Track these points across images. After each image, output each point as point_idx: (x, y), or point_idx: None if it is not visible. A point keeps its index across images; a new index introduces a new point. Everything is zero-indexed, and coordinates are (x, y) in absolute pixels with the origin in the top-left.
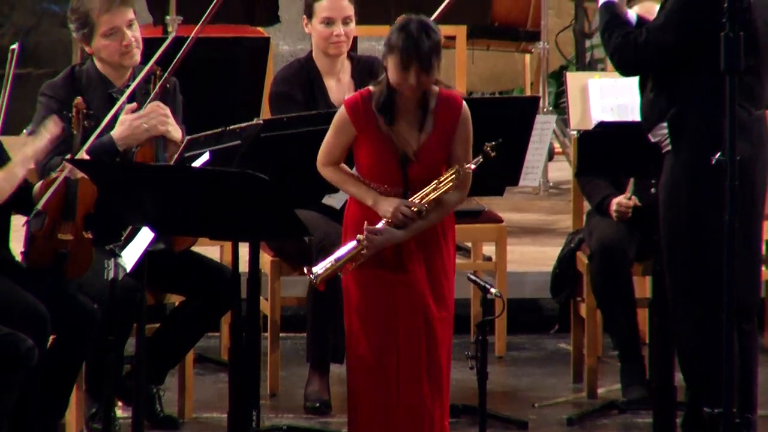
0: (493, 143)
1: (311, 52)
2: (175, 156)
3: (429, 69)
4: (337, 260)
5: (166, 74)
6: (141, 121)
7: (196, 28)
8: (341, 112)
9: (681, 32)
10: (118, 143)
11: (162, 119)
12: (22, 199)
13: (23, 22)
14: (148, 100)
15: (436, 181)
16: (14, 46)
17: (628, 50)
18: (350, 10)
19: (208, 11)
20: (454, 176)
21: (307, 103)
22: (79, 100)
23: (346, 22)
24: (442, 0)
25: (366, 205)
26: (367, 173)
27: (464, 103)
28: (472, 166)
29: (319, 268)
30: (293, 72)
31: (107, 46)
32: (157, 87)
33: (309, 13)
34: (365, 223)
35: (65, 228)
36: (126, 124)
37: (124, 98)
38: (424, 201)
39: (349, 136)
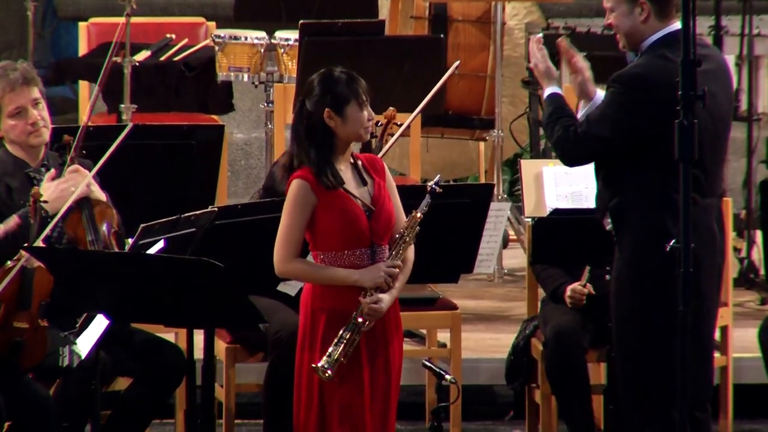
0: (435, 180)
1: None
2: (130, 243)
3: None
4: (338, 344)
5: (80, 143)
6: (67, 184)
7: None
8: (296, 186)
9: (617, 126)
10: (48, 208)
11: (84, 180)
12: None
13: None
14: (66, 165)
15: (400, 234)
16: None
17: (569, 142)
18: None
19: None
20: (413, 223)
21: None
22: (36, 190)
23: None
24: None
25: (327, 286)
26: (336, 240)
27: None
28: (424, 209)
29: (324, 362)
30: None
31: (14, 126)
32: (72, 151)
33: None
34: (361, 297)
35: (20, 317)
36: (52, 188)
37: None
38: (398, 255)
39: (309, 210)
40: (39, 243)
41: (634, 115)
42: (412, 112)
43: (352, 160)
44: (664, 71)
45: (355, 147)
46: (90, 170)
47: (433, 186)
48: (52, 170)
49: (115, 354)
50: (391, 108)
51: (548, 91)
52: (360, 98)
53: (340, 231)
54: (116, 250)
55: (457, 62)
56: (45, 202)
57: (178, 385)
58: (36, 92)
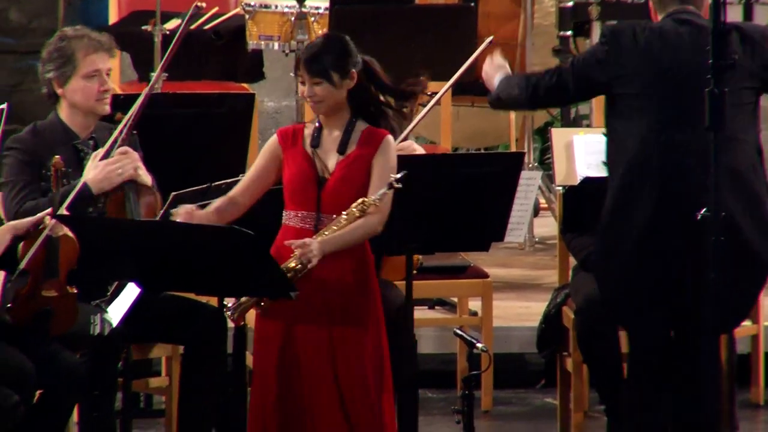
0: (399, 175)
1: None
2: (160, 212)
3: (320, 79)
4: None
5: (129, 121)
6: (114, 166)
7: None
8: (272, 137)
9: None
10: (93, 188)
11: (133, 163)
12: (5, 258)
13: (7, 80)
14: (116, 146)
15: (342, 216)
16: (2, 106)
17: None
18: None
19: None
20: (359, 208)
21: None
22: (57, 159)
23: None
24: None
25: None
26: (288, 196)
27: (390, 136)
28: (377, 198)
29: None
30: None
31: (85, 87)
32: (124, 133)
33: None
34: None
35: (48, 285)
36: (99, 168)
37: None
38: (322, 233)
39: (271, 158)
40: (62, 212)
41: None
42: (441, 81)
43: (346, 126)
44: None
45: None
46: (136, 144)
47: (394, 180)
48: (101, 150)
49: (149, 321)
50: (422, 77)
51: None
52: (296, 72)
53: (288, 188)
54: None
55: (491, 37)
56: (68, 171)
57: (222, 346)
58: (111, 64)
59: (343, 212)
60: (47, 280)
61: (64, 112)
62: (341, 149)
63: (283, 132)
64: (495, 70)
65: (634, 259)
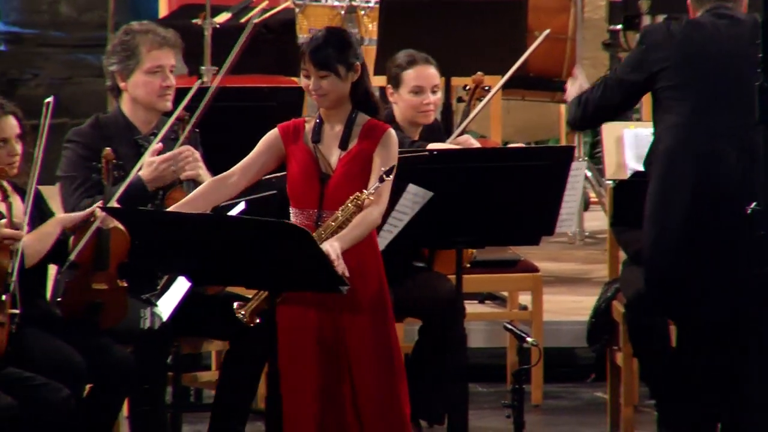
0: (388, 168)
1: (391, 117)
2: None
3: (326, 72)
4: None
5: (194, 119)
6: (168, 163)
7: (218, 77)
8: (273, 130)
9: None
10: (147, 184)
11: (193, 163)
12: (57, 250)
13: (57, 73)
14: (178, 143)
15: (338, 211)
16: (49, 99)
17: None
18: (437, 79)
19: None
20: (354, 203)
21: None
22: (108, 151)
23: (434, 90)
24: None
25: None
26: (291, 192)
27: (391, 129)
28: (371, 193)
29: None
30: None
31: (147, 83)
32: (186, 132)
33: (396, 82)
34: None
35: (99, 278)
36: (153, 165)
37: (156, 142)
38: (328, 231)
39: (269, 150)
40: (113, 204)
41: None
42: (492, 74)
43: (347, 120)
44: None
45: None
46: (197, 142)
47: (384, 173)
48: (158, 144)
49: (200, 315)
50: (479, 72)
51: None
52: (301, 64)
53: (291, 185)
54: None
55: (547, 31)
56: (119, 163)
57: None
58: (174, 60)
59: (340, 207)
60: (97, 273)
61: (126, 106)
62: (343, 144)
63: (284, 127)
64: (573, 89)
65: (677, 250)
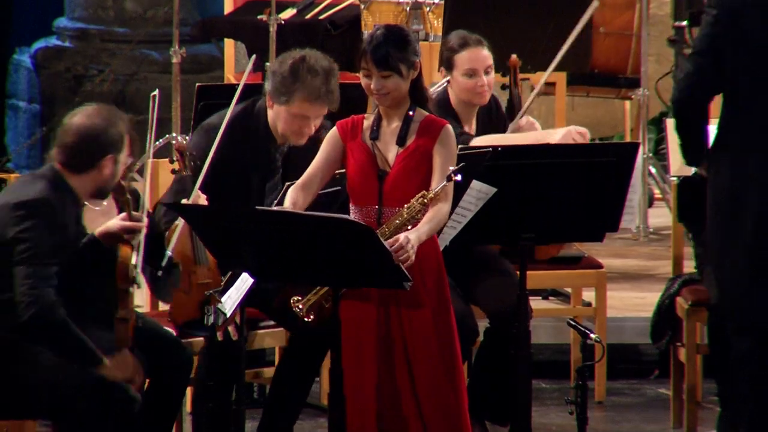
0: (457, 167)
1: (447, 100)
2: (275, 201)
3: (389, 72)
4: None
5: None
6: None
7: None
8: (332, 129)
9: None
10: None
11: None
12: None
13: (122, 69)
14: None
15: (403, 209)
16: (155, 92)
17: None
18: (491, 60)
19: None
20: (420, 201)
21: None
22: (181, 141)
23: (487, 71)
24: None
25: None
26: (351, 190)
27: (449, 125)
28: (437, 191)
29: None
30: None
31: (288, 120)
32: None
33: (449, 65)
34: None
35: (201, 273)
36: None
37: None
38: (392, 228)
39: (334, 149)
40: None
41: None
42: (558, 70)
43: (405, 117)
44: None
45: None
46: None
47: (452, 172)
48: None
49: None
50: (513, 55)
51: None
52: (361, 63)
53: (351, 183)
54: None
55: (596, 2)
56: (193, 154)
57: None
58: (324, 112)
59: (405, 205)
60: (198, 268)
61: (270, 115)
62: (400, 141)
63: (343, 125)
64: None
65: (749, 253)
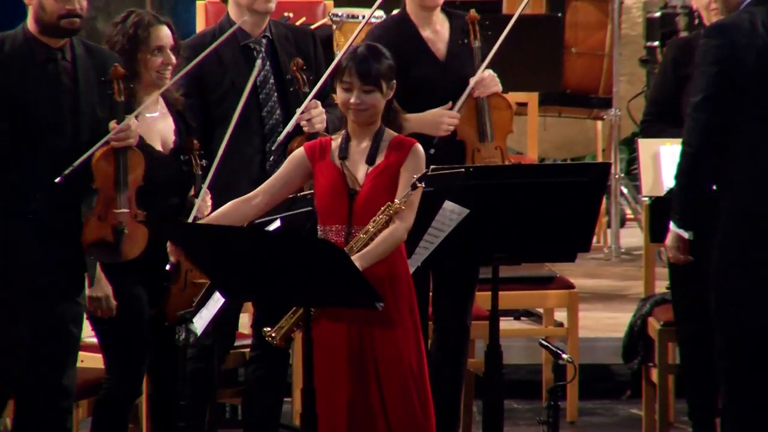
0: (420, 175)
1: (404, 8)
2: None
3: (371, 87)
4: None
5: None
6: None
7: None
8: (299, 150)
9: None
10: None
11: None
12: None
13: None
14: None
15: (369, 224)
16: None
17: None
18: None
19: None
20: (385, 213)
21: (403, 56)
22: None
23: None
24: None
25: None
26: (320, 209)
27: (418, 144)
28: (402, 202)
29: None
30: (386, 28)
31: None
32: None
33: None
34: None
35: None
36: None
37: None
38: (359, 243)
39: (296, 169)
40: None
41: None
42: (529, 90)
43: (374, 136)
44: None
45: None
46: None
47: (416, 180)
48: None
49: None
50: (471, 10)
51: None
52: (341, 76)
53: (320, 203)
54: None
55: None
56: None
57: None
58: None
59: (371, 219)
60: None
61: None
62: (370, 160)
63: (310, 146)
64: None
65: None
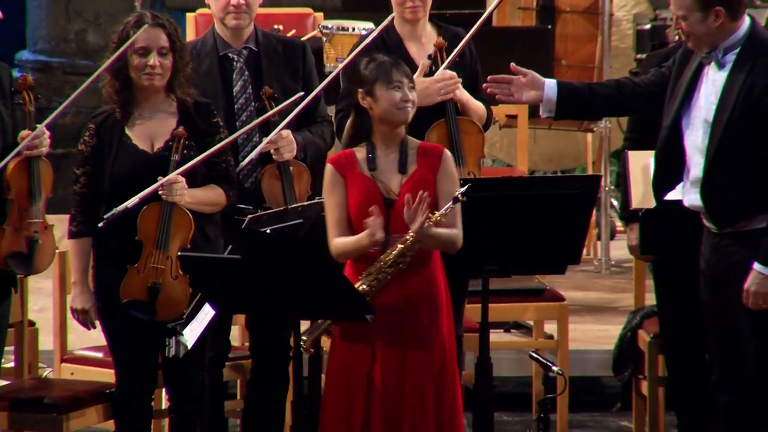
0: (463, 189)
1: (392, 20)
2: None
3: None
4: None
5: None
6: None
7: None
8: (327, 170)
9: None
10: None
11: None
12: None
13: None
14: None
15: (409, 233)
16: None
17: None
18: None
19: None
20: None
21: None
22: (180, 130)
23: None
24: None
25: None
26: (355, 221)
27: (447, 151)
28: (443, 213)
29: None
30: (373, 40)
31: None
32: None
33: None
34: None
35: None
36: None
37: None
38: (396, 254)
39: (341, 189)
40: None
41: None
42: (519, 103)
43: (400, 145)
44: None
45: None
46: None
47: (459, 194)
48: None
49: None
50: (438, 38)
51: None
52: (389, 78)
53: (355, 214)
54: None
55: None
56: (190, 143)
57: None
58: None
59: (411, 230)
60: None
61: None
62: (402, 168)
63: (336, 160)
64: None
65: None
